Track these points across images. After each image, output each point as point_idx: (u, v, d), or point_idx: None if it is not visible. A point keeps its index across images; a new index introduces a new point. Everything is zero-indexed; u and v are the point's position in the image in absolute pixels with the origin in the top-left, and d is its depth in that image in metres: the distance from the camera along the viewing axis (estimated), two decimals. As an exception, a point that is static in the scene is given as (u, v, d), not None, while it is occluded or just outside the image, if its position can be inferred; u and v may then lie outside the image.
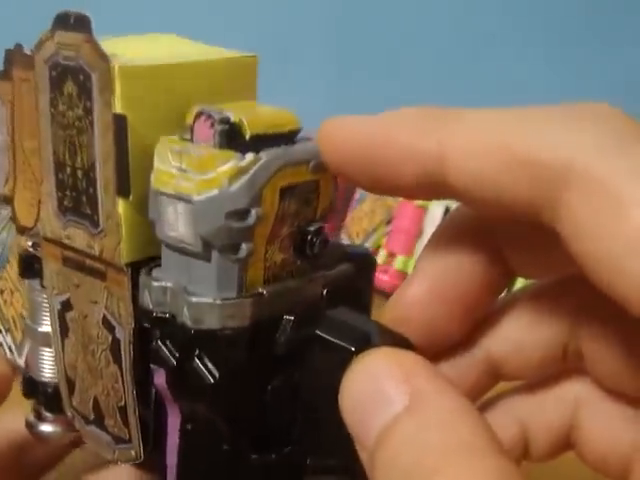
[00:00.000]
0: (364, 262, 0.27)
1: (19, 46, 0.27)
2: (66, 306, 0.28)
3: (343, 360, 0.22)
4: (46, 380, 0.30)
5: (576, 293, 0.23)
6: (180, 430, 0.26)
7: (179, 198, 0.23)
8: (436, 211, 0.61)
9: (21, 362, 0.34)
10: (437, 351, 0.24)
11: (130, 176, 0.24)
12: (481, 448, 0.18)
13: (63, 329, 0.29)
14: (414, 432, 0.19)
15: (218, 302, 0.23)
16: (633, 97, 0.84)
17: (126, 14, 0.73)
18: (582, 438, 0.24)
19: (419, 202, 0.64)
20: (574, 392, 0.25)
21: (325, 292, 0.26)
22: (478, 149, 0.19)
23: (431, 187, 0.21)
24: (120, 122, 0.24)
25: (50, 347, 0.30)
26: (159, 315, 0.24)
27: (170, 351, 0.25)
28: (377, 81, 0.83)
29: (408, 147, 0.20)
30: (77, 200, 0.26)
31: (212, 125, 0.23)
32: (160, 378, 0.25)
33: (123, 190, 0.24)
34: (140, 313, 0.25)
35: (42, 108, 0.26)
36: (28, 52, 0.27)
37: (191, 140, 0.23)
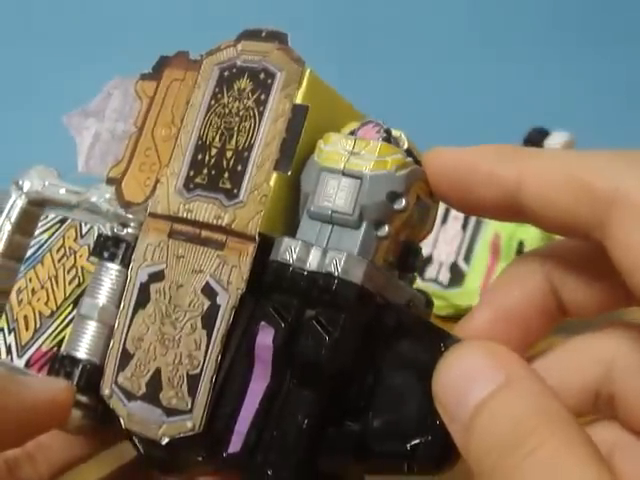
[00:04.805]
0: (428, 298, 0.31)
1: (184, 53, 0.32)
2: (155, 277, 0.30)
3: (432, 350, 0.26)
4: (84, 357, 0.31)
5: (611, 340, 0.27)
6: (265, 395, 0.28)
7: (346, 173, 0.28)
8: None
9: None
10: None
11: (295, 155, 0.28)
12: (570, 419, 0.23)
13: (140, 300, 0.30)
14: (511, 402, 0.23)
15: (365, 260, 0.27)
16: (634, 98, 0.91)
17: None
18: None
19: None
20: (608, 436, 0.26)
21: (411, 304, 0.30)
22: (551, 178, 0.25)
23: (508, 208, 0.26)
24: (300, 111, 0.29)
25: (102, 322, 0.31)
26: (298, 271, 0.27)
27: (287, 309, 0.27)
28: (378, 82, 0.84)
29: (492, 173, 0.26)
30: (216, 176, 0.30)
31: (378, 132, 0.28)
32: (266, 337, 0.27)
33: (284, 166, 0.28)
34: (272, 275, 0.28)
35: (196, 101, 0.31)
36: (193, 57, 0.32)
37: None
